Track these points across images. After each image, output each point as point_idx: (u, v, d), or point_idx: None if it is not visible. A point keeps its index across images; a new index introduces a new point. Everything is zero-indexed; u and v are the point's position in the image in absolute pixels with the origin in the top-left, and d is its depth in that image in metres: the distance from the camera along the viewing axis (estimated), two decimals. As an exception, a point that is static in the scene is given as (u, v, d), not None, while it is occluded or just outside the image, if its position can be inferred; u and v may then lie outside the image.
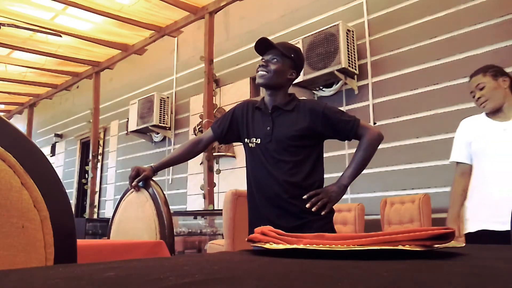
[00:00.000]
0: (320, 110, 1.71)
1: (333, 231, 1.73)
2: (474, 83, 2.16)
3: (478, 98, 2.15)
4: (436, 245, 0.59)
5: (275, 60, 1.76)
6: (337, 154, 4.39)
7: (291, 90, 1.89)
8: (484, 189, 2.06)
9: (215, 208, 4.84)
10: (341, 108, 4.54)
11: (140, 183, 1.80)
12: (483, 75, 2.13)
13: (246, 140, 1.80)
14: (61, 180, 0.76)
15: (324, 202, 1.64)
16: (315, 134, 1.71)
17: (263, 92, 1.91)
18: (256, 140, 1.76)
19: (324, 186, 1.73)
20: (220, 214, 3.17)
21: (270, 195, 1.70)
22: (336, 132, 1.72)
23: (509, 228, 1.66)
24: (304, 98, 1.87)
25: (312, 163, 1.70)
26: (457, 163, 2.29)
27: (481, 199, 2.05)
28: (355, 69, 4.33)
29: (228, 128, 1.87)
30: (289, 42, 1.94)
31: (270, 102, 1.79)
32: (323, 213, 1.65)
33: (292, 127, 1.70)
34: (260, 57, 1.83)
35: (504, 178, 1.99)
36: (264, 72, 1.75)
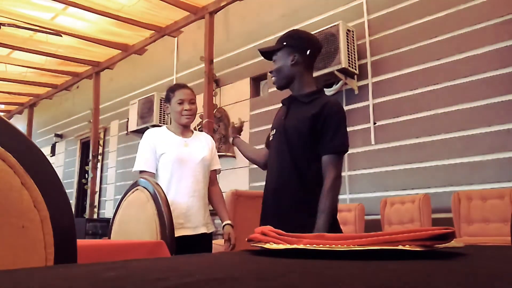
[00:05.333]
0: (327, 109, 1.64)
1: (338, 229, 1.68)
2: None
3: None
4: (436, 245, 0.59)
5: (275, 60, 1.76)
6: (337, 154, 4.39)
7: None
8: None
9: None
10: (341, 108, 4.57)
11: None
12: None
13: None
14: (61, 180, 0.76)
15: None
16: (315, 132, 1.65)
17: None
18: (273, 132, 1.80)
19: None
20: (220, 214, 3.16)
21: (271, 188, 1.70)
22: (318, 138, 1.64)
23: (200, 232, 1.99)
24: (330, 96, 1.89)
25: (310, 160, 1.65)
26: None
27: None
28: (355, 69, 4.33)
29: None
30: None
31: (291, 94, 1.81)
32: None
33: (301, 119, 1.66)
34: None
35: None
36: (274, 78, 1.77)
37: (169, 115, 2.40)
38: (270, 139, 1.80)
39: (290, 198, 1.65)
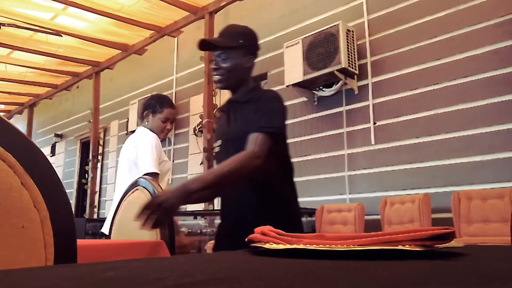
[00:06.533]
0: (260, 96, 1.53)
1: (298, 228, 1.55)
2: None
3: None
4: (436, 245, 0.59)
5: (225, 57, 1.55)
6: (337, 154, 4.39)
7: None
8: None
9: (215, 208, 4.84)
10: (341, 108, 4.57)
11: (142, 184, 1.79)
12: None
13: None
14: (61, 180, 0.76)
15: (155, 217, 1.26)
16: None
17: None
18: (217, 143, 1.61)
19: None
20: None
21: (228, 205, 1.58)
22: (250, 121, 1.47)
23: None
24: (268, 89, 1.70)
25: (268, 164, 1.45)
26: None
27: None
28: (355, 69, 4.33)
29: None
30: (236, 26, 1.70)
31: (229, 98, 1.64)
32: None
33: (246, 120, 1.51)
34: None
35: None
36: (219, 76, 1.56)
37: (146, 119, 2.54)
38: (215, 151, 1.61)
39: (252, 212, 1.49)
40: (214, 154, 1.63)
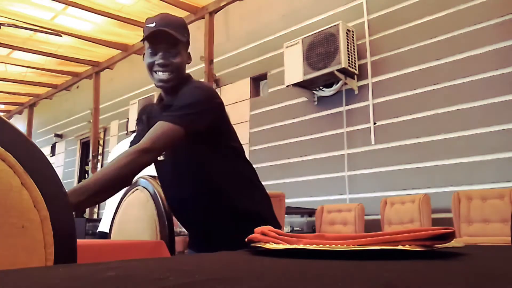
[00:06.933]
0: (187, 89, 1.35)
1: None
2: None
3: None
4: (436, 245, 0.59)
5: (175, 52, 1.37)
6: (337, 154, 4.39)
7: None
8: None
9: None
10: (341, 108, 4.57)
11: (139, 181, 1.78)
12: None
13: None
14: (61, 180, 0.76)
15: None
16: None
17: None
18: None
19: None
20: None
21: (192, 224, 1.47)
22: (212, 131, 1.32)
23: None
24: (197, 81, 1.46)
25: (212, 167, 1.35)
26: None
27: None
28: (355, 69, 4.33)
29: None
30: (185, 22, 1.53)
31: (163, 102, 1.44)
32: None
33: None
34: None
35: None
36: (169, 73, 1.35)
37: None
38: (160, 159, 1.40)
39: (207, 212, 1.38)
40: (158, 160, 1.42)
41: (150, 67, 1.38)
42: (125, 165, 1.18)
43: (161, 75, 1.36)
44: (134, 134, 1.76)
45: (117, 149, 3.00)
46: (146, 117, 1.54)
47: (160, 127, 1.23)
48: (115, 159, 1.21)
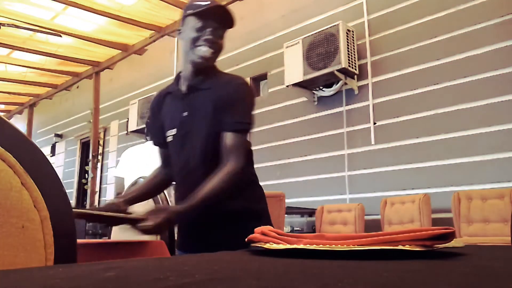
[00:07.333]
0: (236, 87, 1.38)
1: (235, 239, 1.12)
2: None
3: None
4: (436, 245, 0.59)
5: (221, 33, 1.40)
6: (337, 154, 4.39)
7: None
8: None
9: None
10: (341, 108, 4.57)
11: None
12: None
13: (167, 135, 1.44)
14: (61, 180, 0.76)
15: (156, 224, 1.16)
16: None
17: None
18: (171, 132, 1.41)
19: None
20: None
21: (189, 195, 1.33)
22: (219, 119, 1.33)
23: None
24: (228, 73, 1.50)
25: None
26: None
27: None
28: (355, 69, 4.33)
29: (160, 134, 1.47)
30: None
31: (187, 78, 1.43)
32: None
33: (213, 109, 1.35)
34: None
35: None
36: (212, 51, 1.38)
37: None
38: (169, 140, 1.42)
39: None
40: (168, 142, 1.42)
41: (194, 41, 1.37)
42: (230, 184, 1.27)
43: (205, 50, 1.37)
44: (145, 142, 1.85)
45: (127, 155, 3.02)
46: (157, 105, 1.52)
47: (235, 141, 1.31)
48: (220, 179, 1.26)
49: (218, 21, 1.37)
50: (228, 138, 1.31)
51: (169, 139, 1.42)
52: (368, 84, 4.36)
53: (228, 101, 1.34)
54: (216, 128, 1.33)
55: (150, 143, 2.85)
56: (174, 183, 1.51)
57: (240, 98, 1.36)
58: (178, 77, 1.48)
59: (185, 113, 1.38)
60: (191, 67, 1.40)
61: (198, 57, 1.37)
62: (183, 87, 1.43)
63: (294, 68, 4.47)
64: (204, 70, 1.41)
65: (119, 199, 1.40)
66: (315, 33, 4.42)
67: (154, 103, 1.54)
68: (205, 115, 1.35)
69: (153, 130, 1.55)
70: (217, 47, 1.39)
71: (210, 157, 1.33)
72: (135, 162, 2.87)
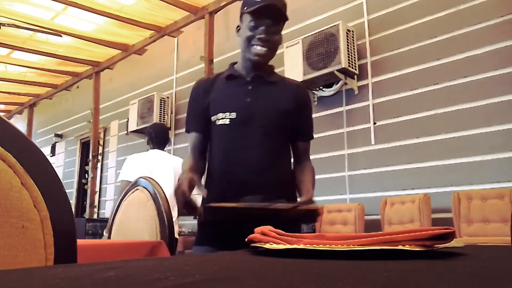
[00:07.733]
0: (306, 96, 1.56)
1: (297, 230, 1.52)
2: None
3: None
4: (436, 245, 0.59)
5: (276, 30, 1.43)
6: (337, 154, 4.39)
7: None
8: None
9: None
10: (341, 108, 4.57)
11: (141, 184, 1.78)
12: None
13: (214, 118, 1.46)
14: (61, 180, 0.76)
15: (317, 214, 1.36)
16: (292, 119, 1.48)
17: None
18: (230, 115, 1.43)
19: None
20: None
21: (243, 180, 1.39)
22: (299, 129, 1.50)
23: None
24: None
25: (286, 151, 1.51)
26: None
27: None
28: (355, 69, 4.33)
29: (204, 118, 1.49)
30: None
31: (248, 71, 1.48)
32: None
33: (279, 102, 1.45)
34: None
35: None
36: (266, 49, 1.41)
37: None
38: (224, 123, 1.43)
39: (268, 189, 1.37)
40: (221, 125, 1.43)
41: (249, 40, 1.41)
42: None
43: (259, 49, 1.41)
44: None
45: (132, 160, 3.11)
46: (203, 92, 1.54)
47: (308, 147, 1.57)
48: (310, 173, 1.56)
49: (271, 17, 1.40)
50: (304, 144, 1.54)
51: (223, 121, 1.43)
52: (368, 84, 4.36)
53: (306, 106, 1.54)
54: (287, 121, 1.45)
55: (155, 150, 3.03)
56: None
57: (311, 107, 1.58)
58: (232, 67, 1.54)
59: (248, 99, 1.44)
60: (250, 64, 1.47)
61: (253, 56, 1.42)
62: (246, 75, 1.48)
63: (294, 68, 4.47)
64: (265, 64, 1.49)
65: (200, 187, 1.42)
66: (315, 33, 4.42)
67: (200, 89, 1.55)
68: (275, 106, 1.44)
69: (195, 116, 1.54)
70: (271, 44, 1.42)
71: (271, 145, 1.43)
72: (141, 167, 2.97)
